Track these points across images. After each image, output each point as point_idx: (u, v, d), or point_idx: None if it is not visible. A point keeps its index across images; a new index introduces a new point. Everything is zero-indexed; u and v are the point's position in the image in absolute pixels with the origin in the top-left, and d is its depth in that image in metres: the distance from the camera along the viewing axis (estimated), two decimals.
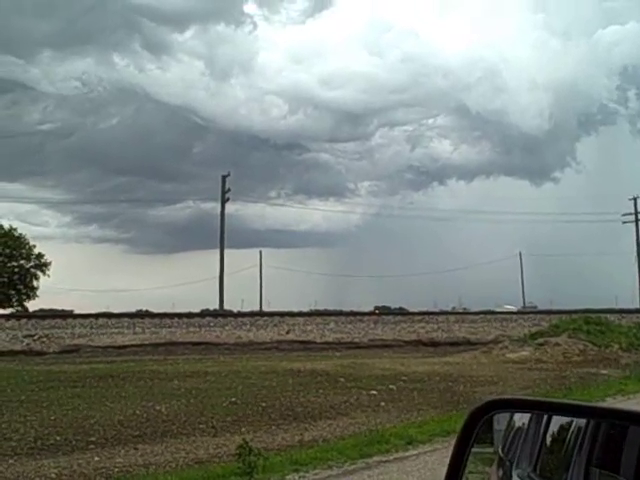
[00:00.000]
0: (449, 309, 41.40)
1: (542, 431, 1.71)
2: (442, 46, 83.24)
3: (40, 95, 67.73)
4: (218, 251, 40.33)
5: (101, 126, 68.72)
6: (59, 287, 46.97)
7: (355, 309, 31.63)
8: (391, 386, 12.22)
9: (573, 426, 1.59)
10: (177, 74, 70.58)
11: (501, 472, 1.85)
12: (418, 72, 73.50)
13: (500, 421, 1.81)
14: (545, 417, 1.70)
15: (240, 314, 28.61)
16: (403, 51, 75.87)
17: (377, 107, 79.34)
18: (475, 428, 1.69)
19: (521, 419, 1.79)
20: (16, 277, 41.47)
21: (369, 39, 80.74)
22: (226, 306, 38.01)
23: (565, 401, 1.95)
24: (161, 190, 77.72)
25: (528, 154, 79.36)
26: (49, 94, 63.51)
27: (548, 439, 1.69)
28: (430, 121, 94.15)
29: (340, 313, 29.85)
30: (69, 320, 24.57)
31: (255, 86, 75.38)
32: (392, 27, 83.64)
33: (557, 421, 1.65)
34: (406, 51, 74.98)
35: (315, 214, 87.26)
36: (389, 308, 45.88)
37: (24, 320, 24.07)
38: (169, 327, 24.07)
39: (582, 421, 1.56)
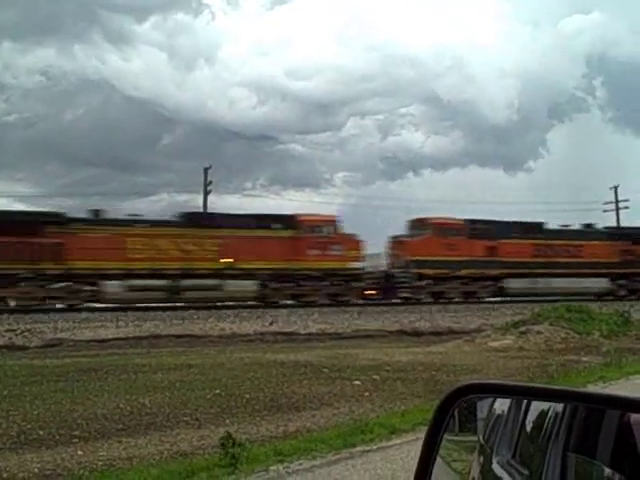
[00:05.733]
0: None
1: (521, 417, 1.72)
2: (410, 34, 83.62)
3: (3, 87, 67.38)
4: None
5: (67, 118, 68.44)
6: None
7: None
8: (375, 376, 12.25)
9: (551, 412, 1.60)
10: (141, 66, 70.27)
11: (482, 459, 1.86)
12: (386, 61, 73.77)
13: (483, 408, 1.83)
14: (524, 403, 1.72)
15: (223, 306, 28.53)
16: (370, 40, 75.92)
17: (346, 97, 79.56)
18: (447, 414, 1.70)
19: (501, 406, 1.80)
20: None
21: (335, 29, 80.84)
22: None
23: (537, 385, 1.97)
24: (133, 182, 77.75)
25: (500, 144, 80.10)
26: (12, 86, 63.13)
27: (527, 425, 1.71)
28: (402, 110, 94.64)
29: (323, 304, 29.83)
30: (51, 314, 24.42)
31: (221, 78, 75.23)
32: (358, 16, 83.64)
33: (535, 407, 1.67)
34: (373, 40, 75.07)
35: (292, 205, 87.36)
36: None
37: (5, 315, 23.91)
38: (152, 320, 23.98)
39: (559, 406, 1.58)
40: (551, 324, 18.85)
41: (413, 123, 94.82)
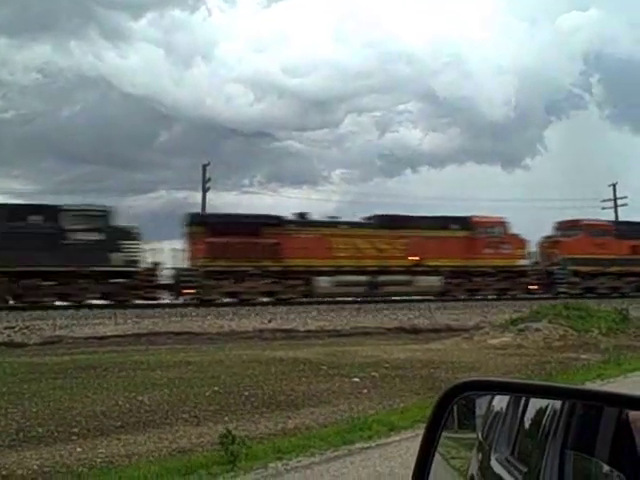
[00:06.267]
0: None
1: (519, 414, 1.72)
2: (408, 31, 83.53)
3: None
4: None
5: (64, 115, 68.34)
6: None
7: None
8: (373, 373, 12.26)
9: (549, 409, 1.60)
10: (138, 62, 70.13)
11: (481, 456, 1.86)
12: (383, 58, 73.74)
13: (481, 405, 1.83)
14: (523, 400, 1.72)
15: (222, 304, 28.54)
16: (367, 36, 75.82)
17: (343, 93, 79.43)
18: (446, 411, 1.71)
19: (500, 403, 1.81)
20: None
21: (332, 25, 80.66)
22: None
23: (536, 382, 1.97)
24: (131, 179, 77.40)
25: (498, 141, 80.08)
26: (8, 83, 63.13)
27: (525, 422, 1.71)
28: (400, 107, 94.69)
29: (322, 301, 29.88)
30: (50, 311, 24.41)
31: (218, 74, 75.04)
32: (355, 12, 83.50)
33: (534, 404, 1.67)
34: (370, 36, 74.89)
35: (290, 202, 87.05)
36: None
37: (5, 312, 23.89)
38: (151, 317, 23.98)
39: (558, 404, 1.58)
40: (550, 322, 18.86)
41: (411, 120, 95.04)
